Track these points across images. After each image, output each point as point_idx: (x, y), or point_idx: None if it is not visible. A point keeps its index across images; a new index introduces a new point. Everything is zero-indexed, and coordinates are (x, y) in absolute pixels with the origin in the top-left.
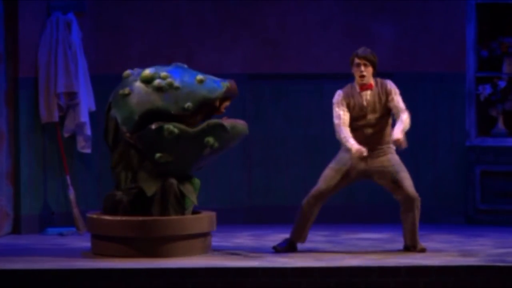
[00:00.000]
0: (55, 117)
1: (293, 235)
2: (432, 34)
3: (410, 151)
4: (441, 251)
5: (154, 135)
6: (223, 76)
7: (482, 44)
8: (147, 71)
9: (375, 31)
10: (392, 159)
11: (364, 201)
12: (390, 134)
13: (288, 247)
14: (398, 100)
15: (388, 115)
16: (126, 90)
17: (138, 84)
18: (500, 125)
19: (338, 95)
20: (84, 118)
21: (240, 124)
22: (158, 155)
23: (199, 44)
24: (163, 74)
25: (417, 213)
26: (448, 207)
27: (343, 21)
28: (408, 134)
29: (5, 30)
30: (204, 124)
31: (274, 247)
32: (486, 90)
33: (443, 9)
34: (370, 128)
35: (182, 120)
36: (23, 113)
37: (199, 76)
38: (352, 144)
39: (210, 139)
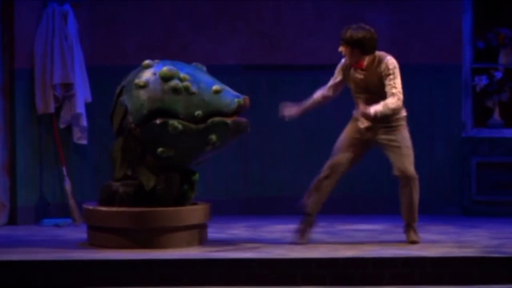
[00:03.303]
0: (51, 108)
1: (309, 208)
2: (428, 25)
3: None
4: (437, 242)
5: (158, 129)
6: (219, 67)
7: (478, 35)
8: (167, 69)
9: (371, 23)
10: (399, 134)
11: (360, 193)
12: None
13: (305, 226)
14: (391, 83)
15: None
16: (142, 82)
17: (155, 78)
18: (496, 116)
19: (340, 62)
20: (80, 109)
21: (243, 122)
22: (160, 149)
23: (194, 35)
24: (183, 75)
25: (414, 192)
26: (444, 198)
27: (338, 13)
28: None
29: (1, 21)
30: (208, 122)
31: (297, 241)
32: (482, 81)
33: (438, 0)
34: (372, 103)
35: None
36: (19, 105)
37: (216, 86)
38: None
39: (213, 137)
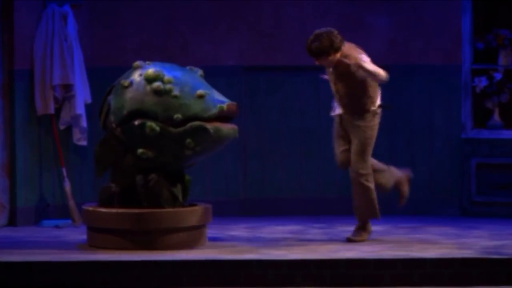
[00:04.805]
0: (51, 109)
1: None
2: (427, 26)
3: (405, 143)
4: (437, 243)
5: (136, 130)
6: (218, 68)
7: (477, 36)
8: (151, 70)
9: (371, 23)
10: (359, 130)
11: None
12: (366, 104)
13: None
14: (368, 67)
15: (356, 88)
16: (127, 82)
17: (140, 79)
18: (496, 117)
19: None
20: (80, 110)
21: (227, 128)
22: (140, 150)
23: (194, 36)
24: (167, 78)
25: (359, 189)
26: (443, 199)
27: (338, 13)
28: (404, 126)
29: (1, 22)
30: (187, 126)
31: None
32: (482, 82)
33: (438, 1)
34: (340, 96)
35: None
36: (18, 105)
37: (201, 91)
38: None
39: (190, 141)
